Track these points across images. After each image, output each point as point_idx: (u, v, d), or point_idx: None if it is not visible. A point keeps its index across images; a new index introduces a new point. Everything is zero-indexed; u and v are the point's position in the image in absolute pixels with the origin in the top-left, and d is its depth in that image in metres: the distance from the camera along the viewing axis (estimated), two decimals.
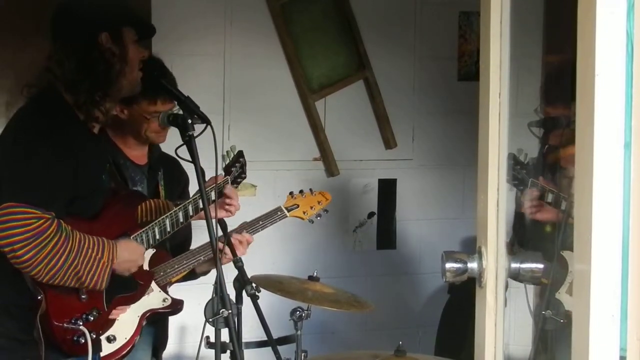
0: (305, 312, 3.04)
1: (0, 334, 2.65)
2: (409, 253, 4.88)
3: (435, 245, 4.73)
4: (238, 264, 2.89)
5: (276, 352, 2.96)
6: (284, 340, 3.13)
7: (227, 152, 3.11)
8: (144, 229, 2.83)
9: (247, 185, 4.26)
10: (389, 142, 4.77)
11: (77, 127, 2.66)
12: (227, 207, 3.03)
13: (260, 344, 3.15)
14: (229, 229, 3.03)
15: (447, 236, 4.80)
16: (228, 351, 2.68)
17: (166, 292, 2.97)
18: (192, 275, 3.16)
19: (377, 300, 3.39)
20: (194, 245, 3.19)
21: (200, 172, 2.57)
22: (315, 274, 3.12)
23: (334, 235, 4.74)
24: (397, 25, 4.76)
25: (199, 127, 2.64)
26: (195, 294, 3.06)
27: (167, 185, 3.18)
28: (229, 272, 2.77)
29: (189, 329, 4.08)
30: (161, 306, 2.94)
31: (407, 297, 4.88)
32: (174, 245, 3.12)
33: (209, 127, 2.62)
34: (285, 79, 4.58)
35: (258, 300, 2.84)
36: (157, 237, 2.85)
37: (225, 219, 3.01)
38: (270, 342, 2.96)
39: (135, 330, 2.83)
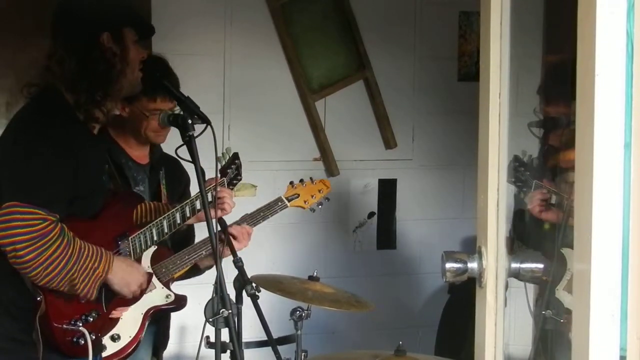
0: (305, 312, 3.04)
1: (0, 335, 2.64)
2: (409, 253, 4.88)
3: (435, 245, 4.73)
4: (238, 264, 2.89)
5: (276, 352, 2.96)
6: (284, 340, 3.13)
7: (222, 153, 3.11)
8: (141, 230, 2.84)
9: (247, 185, 4.25)
10: (389, 142, 4.77)
11: (77, 127, 2.66)
12: (220, 205, 3.02)
13: (260, 344, 3.15)
14: (229, 223, 3.04)
15: (447, 236, 4.80)
16: (228, 351, 2.68)
17: (169, 289, 2.97)
18: (196, 271, 3.16)
19: (377, 300, 3.39)
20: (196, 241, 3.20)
21: (200, 172, 2.57)
22: (315, 274, 3.12)
23: (334, 235, 4.74)
24: (397, 25, 4.76)
25: (199, 127, 2.64)
26: (195, 294, 3.05)
27: (169, 185, 3.19)
28: (229, 272, 2.77)
29: (189, 329, 4.08)
30: (164, 303, 2.94)
31: (407, 297, 4.88)
32: (177, 241, 3.11)
33: (209, 127, 2.62)
34: (285, 79, 4.58)
35: (258, 300, 2.84)
36: (155, 238, 2.85)
37: (225, 216, 3.02)
38: (270, 342, 2.96)
39: (140, 328, 2.84)
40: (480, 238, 1.84)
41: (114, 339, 2.77)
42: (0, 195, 2.51)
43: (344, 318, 4.53)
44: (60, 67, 2.64)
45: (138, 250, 2.84)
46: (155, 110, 2.97)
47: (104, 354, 2.77)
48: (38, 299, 2.58)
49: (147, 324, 2.88)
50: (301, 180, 3.31)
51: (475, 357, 1.89)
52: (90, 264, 2.57)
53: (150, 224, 2.85)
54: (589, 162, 1.28)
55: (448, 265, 1.82)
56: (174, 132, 2.78)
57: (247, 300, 2.83)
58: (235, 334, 2.52)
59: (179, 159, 2.81)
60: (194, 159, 2.58)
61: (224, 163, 3.10)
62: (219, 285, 2.45)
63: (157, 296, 2.93)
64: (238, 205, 3.15)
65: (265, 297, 2.91)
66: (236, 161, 3.14)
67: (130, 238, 2.81)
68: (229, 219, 3.09)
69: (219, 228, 2.81)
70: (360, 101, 4.74)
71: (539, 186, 3.15)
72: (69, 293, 2.60)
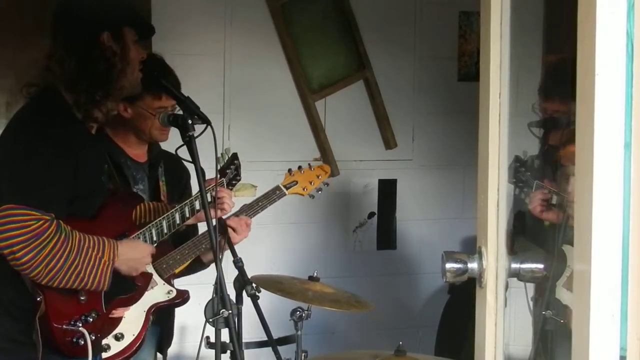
0: (306, 312, 3.04)
1: (0, 336, 2.64)
2: (409, 253, 4.88)
3: (435, 245, 4.74)
4: (238, 264, 2.89)
5: (276, 352, 2.96)
6: (284, 340, 3.13)
7: (221, 154, 3.09)
8: (141, 230, 2.83)
9: (247, 186, 4.25)
10: (389, 142, 4.78)
11: (76, 127, 2.66)
12: (220, 205, 3.01)
13: (260, 344, 3.15)
14: (229, 213, 3.03)
15: (447, 236, 4.80)
16: (228, 351, 2.69)
17: (170, 284, 2.97)
18: (200, 265, 3.14)
19: (377, 300, 3.39)
20: None
21: (200, 173, 2.57)
22: (315, 274, 3.12)
23: (334, 235, 4.75)
24: (397, 25, 4.76)
25: (199, 128, 2.63)
26: (195, 294, 3.05)
27: (169, 182, 3.18)
28: (229, 273, 2.77)
29: (189, 329, 4.08)
30: (166, 299, 2.94)
31: (407, 297, 4.88)
32: (179, 239, 3.10)
33: (209, 127, 2.62)
34: (285, 79, 4.58)
35: (258, 301, 2.84)
36: (155, 238, 2.85)
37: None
38: (271, 342, 2.96)
39: (143, 326, 2.83)
40: (480, 238, 1.84)
41: (118, 338, 2.76)
42: (0, 195, 2.51)
43: (344, 318, 4.53)
44: (60, 67, 2.64)
45: None
46: (161, 108, 2.96)
47: (108, 354, 2.77)
48: (38, 299, 2.57)
49: (150, 321, 2.88)
50: (299, 167, 3.27)
51: (475, 357, 1.88)
52: (94, 254, 2.56)
53: (150, 224, 2.85)
54: (589, 162, 1.28)
55: (448, 265, 1.82)
56: (174, 131, 2.78)
57: (247, 300, 2.84)
58: (236, 334, 2.52)
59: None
60: (194, 159, 2.58)
61: (223, 163, 3.09)
62: (219, 285, 2.45)
63: (158, 293, 2.92)
64: (238, 205, 3.15)
65: (265, 297, 2.91)
66: (235, 161, 3.13)
67: (129, 238, 2.81)
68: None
69: (220, 229, 2.81)
70: (360, 101, 4.74)
71: (539, 186, 3.15)
72: (81, 290, 2.59)
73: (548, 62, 4.34)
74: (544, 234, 3.17)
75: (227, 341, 2.55)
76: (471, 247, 1.91)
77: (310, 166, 3.30)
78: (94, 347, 2.62)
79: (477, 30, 4.57)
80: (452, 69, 4.86)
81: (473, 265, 1.82)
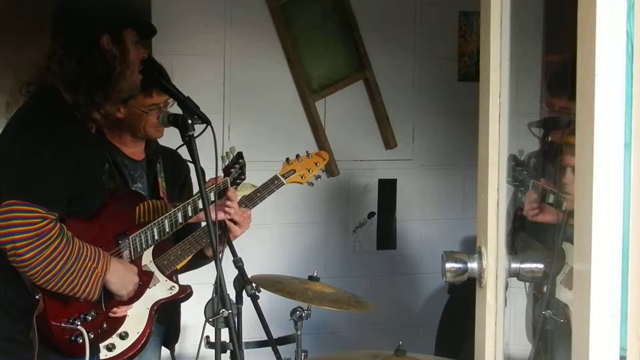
0: (306, 312, 3.04)
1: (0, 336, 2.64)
2: (409, 253, 4.88)
3: (435, 245, 4.74)
4: (238, 264, 2.89)
5: (276, 352, 2.96)
6: (284, 340, 3.13)
7: (226, 153, 3.10)
8: (142, 229, 2.83)
9: (247, 185, 4.24)
10: (389, 142, 4.78)
11: (76, 126, 2.65)
12: (227, 209, 3.01)
13: (260, 344, 3.15)
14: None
15: (447, 236, 4.80)
16: (228, 351, 2.69)
17: (172, 280, 2.96)
18: (204, 259, 3.14)
19: (377, 300, 3.39)
20: None
21: (200, 173, 2.56)
22: (315, 274, 3.12)
23: (334, 235, 4.75)
24: (397, 25, 4.76)
25: (199, 127, 2.64)
26: (195, 294, 3.05)
27: (168, 178, 3.17)
28: (229, 272, 2.77)
29: (189, 329, 4.07)
30: (169, 295, 2.94)
31: (407, 297, 4.88)
32: (180, 236, 3.09)
33: (209, 127, 2.62)
34: (285, 79, 4.58)
35: (258, 300, 2.84)
36: (156, 237, 2.85)
37: None
38: (270, 342, 2.96)
39: (147, 323, 2.84)
40: (480, 238, 1.84)
41: (122, 336, 2.76)
42: (0, 194, 2.51)
43: (344, 318, 4.54)
44: (60, 67, 2.63)
45: (139, 250, 2.83)
46: (153, 105, 2.96)
47: (113, 352, 2.77)
48: (37, 297, 2.57)
49: (154, 318, 2.88)
50: (297, 156, 3.26)
51: (475, 357, 1.89)
52: (89, 264, 2.56)
53: (152, 224, 2.85)
54: (589, 162, 1.28)
55: (448, 265, 1.82)
56: (174, 131, 2.78)
57: (247, 300, 2.84)
58: (235, 334, 2.52)
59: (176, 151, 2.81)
60: (194, 159, 2.58)
61: (227, 162, 3.09)
62: (219, 285, 2.45)
63: (160, 290, 2.92)
64: None
65: (265, 297, 2.91)
66: (240, 160, 3.12)
67: (130, 237, 2.81)
68: None
69: (219, 230, 2.81)
70: (360, 101, 4.75)
71: (536, 186, 3.14)
72: (68, 296, 2.59)
73: (548, 63, 4.35)
74: (543, 232, 3.17)
75: (227, 341, 2.55)
76: (471, 247, 1.91)
77: (307, 153, 3.29)
78: (92, 346, 2.62)
79: (477, 30, 4.57)
80: (452, 69, 4.86)
81: (473, 265, 1.82)
